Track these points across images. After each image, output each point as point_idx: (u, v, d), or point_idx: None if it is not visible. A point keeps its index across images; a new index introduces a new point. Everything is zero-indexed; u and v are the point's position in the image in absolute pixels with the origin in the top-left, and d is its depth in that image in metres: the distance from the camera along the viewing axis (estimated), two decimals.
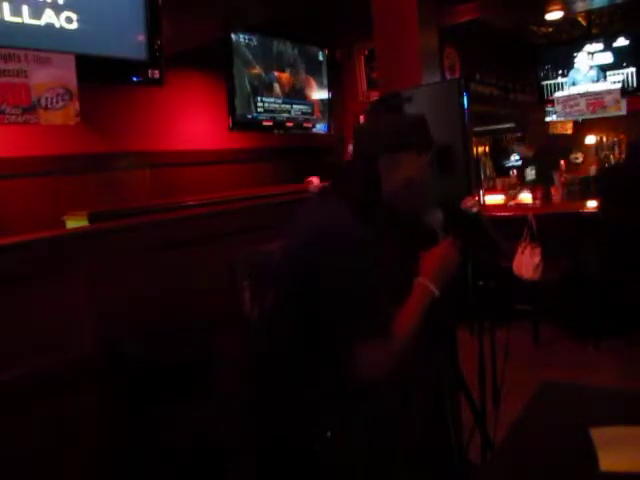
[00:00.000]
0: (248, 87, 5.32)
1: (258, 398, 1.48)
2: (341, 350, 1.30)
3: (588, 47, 6.71)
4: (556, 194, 4.85)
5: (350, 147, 1.50)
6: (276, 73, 5.65)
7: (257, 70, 5.41)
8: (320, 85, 6.22)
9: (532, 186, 5.07)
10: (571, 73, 6.82)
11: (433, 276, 1.42)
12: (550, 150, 5.81)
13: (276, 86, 5.65)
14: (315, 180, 4.43)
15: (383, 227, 1.44)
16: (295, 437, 1.43)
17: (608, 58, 6.60)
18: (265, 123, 5.56)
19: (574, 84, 6.77)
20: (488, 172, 7.15)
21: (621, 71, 6.55)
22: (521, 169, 5.62)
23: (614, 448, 1.23)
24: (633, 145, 4.62)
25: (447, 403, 1.89)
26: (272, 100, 5.55)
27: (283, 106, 5.71)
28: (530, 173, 5.35)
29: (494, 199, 5.43)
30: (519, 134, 7.65)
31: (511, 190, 5.60)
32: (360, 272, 1.30)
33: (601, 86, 6.48)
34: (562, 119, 6.08)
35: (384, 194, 1.42)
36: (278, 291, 1.46)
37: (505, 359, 2.18)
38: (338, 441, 1.38)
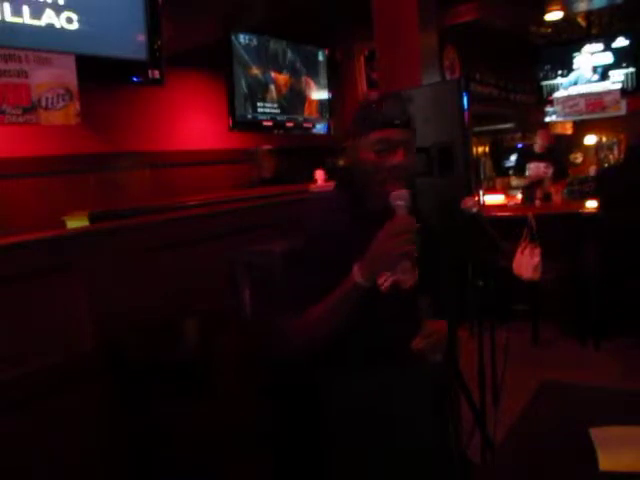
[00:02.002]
0: (248, 87, 5.32)
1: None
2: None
3: (588, 47, 6.71)
4: (556, 194, 4.85)
5: None
6: (276, 73, 5.65)
7: (257, 70, 5.41)
8: (320, 85, 6.22)
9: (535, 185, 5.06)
10: (571, 73, 6.83)
11: (363, 263, 1.32)
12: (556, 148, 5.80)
13: (275, 87, 5.66)
14: (320, 175, 4.43)
15: (369, 215, 1.43)
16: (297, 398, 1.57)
17: (608, 58, 6.60)
18: (265, 123, 5.57)
19: (574, 84, 6.77)
20: (488, 172, 7.16)
21: (621, 71, 6.55)
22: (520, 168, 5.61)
23: (614, 448, 1.23)
24: (632, 145, 4.62)
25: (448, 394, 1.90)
26: (270, 104, 5.57)
27: (282, 106, 5.72)
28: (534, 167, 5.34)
29: (494, 199, 5.43)
30: (519, 134, 7.66)
31: (511, 190, 5.60)
32: (312, 256, 1.40)
33: (601, 86, 6.48)
34: (562, 119, 6.08)
35: (355, 182, 1.46)
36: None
37: (505, 359, 2.18)
38: (333, 405, 1.49)
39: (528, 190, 5.04)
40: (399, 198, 1.31)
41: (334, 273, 1.35)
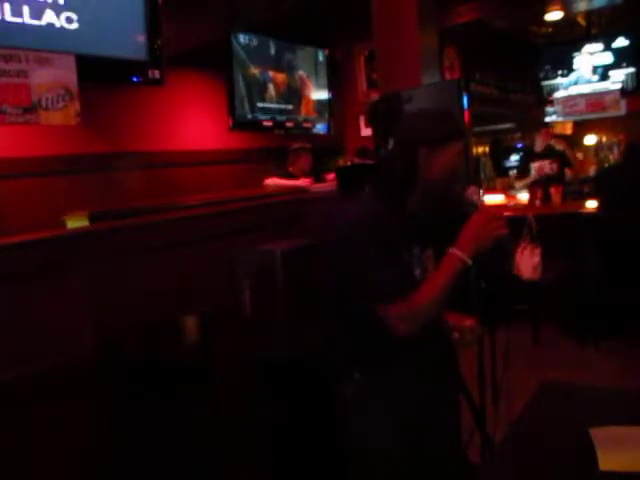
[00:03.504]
0: (248, 87, 5.32)
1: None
2: (365, 315, 1.50)
3: (588, 47, 6.70)
4: (556, 194, 4.85)
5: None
6: (275, 73, 5.65)
7: (257, 70, 5.41)
8: (320, 85, 6.22)
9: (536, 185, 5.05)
10: (571, 73, 6.83)
11: (464, 244, 1.49)
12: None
13: (275, 87, 5.66)
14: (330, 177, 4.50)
15: (415, 214, 1.56)
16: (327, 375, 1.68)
17: (608, 58, 6.60)
18: (265, 123, 5.57)
19: (574, 84, 6.77)
20: (488, 172, 7.14)
21: (621, 71, 6.55)
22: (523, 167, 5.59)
23: (614, 448, 1.23)
24: (631, 145, 4.61)
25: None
26: (270, 104, 5.57)
27: (282, 106, 5.72)
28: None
29: (494, 199, 5.42)
30: (519, 134, 7.64)
31: (511, 190, 5.59)
32: (375, 249, 1.48)
33: (601, 86, 6.48)
34: (562, 119, 6.07)
35: (421, 182, 1.54)
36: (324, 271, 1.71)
37: (505, 359, 2.18)
38: (357, 404, 1.60)
39: (532, 189, 5.02)
40: (474, 193, 1.57)
41: (392, 263, 1.48)
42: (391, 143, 1.63)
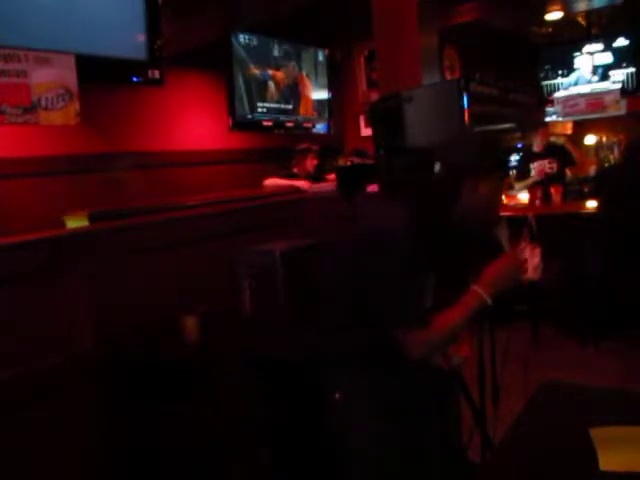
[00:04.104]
0: (248, 87, 5.32)
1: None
2: (386, 332, 1.49)
3: (588, 47, 6.70)
4: (556, 194, 4.85)
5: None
6: (275, 73, 5.65)
7: (256, 70, 5.41)
8: (320, 85, 6.22)
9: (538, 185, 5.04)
10: (571, 73, 6.82)
11: (488, 284, 1.50)
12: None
13: (275, 87, 5.66)
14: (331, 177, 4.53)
15: (437, 239, 1.54)
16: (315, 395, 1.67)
17: (608, 58, 6.60)
18: (265, 123, 5.56)
19: (574, 84, 6.77)
20: None
21: (621, 71, 6.54)
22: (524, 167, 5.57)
23: (614, 448, 1.23)
24: (630, 145, 4.61)
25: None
26: (270, 104, 5.57)
27: (282, 106, 5.72)
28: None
29: None
30: (519, 134, 7.64)
31: (511, 190, 5.59)
32: (401, 272, 1.46)
33: (601, 86, 6.48)
34: (562, 119, 6.07)
35: (459, 209, 1.52)
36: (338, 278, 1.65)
37: (505, 359, 2.18)
38: (345, 405, 1.60)
39: (532, 189, 5.02)
40: (503, 232, 1.63)
41: (411, 283, 1.49)
42: (437, 166, 1.54)
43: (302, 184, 4.09)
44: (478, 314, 1.50)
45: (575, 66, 6.80)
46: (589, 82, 6.68)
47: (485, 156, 1.55)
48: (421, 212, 1.51)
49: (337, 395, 1.60)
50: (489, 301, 1.48)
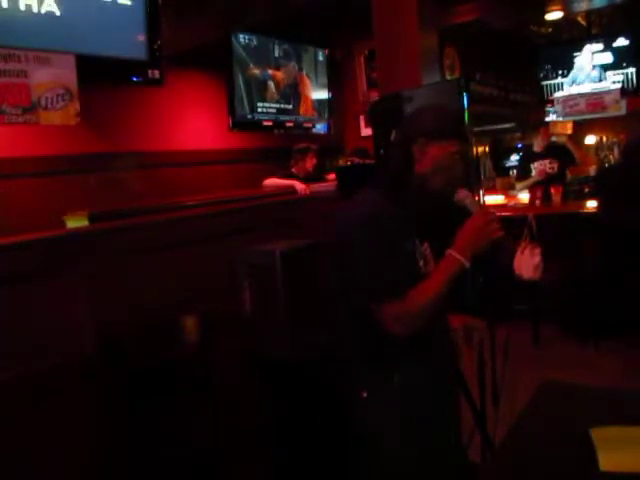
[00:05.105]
0: (248, 87, 5.32)
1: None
2: (364, 311, 1.51)
3: (588, 47, 6.70)
4: (556, 194, 4.85)
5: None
6: (275, 73, 5.65)
7: (256, 70, 5.41)
8: (320, 85, 6.22)
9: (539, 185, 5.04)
10: (571, 73, 6.82)
11: (462, 246, 1.50)
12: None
13: (275, 87, 5.65)
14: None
15: (412, 208, 1.58)
16: (333, 394, 1.70)
17: (608, 58, 6.60)
18: (265, 123, 5.56)
19: (574, 84, 6.77)
20: (488, 172, 7.14)
21: (621, 71, 6.55)
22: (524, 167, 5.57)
23: (614, 448, 1.23)
24: (629, 145, 4.61)
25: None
26: (270, 104, 5.57)
27: (282, 106, 5.72)
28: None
29: (494, 199, 5.42)
30: (519, 134, 7.64)
31: (511, 190, 5.59)
32: (374, 245, 1.49)
33: (601, 86, 6.47)
34: (562, 119, 6.07)
35: (416, 177, 1.56)
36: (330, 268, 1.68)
37: (505, 359, 2.18)
38: (372, 403, 1.59)
39: (532, 189, 5.02)
40: (465, 197, 1.57)
41: (393, 257, 1.49)
42: (393, 134, 1.64)
43: (296, 185, 4.08)
44: (457, 278, 1.50)
45: (575, 66, 6.80)
46: (589, 82, 6.67)
47: (436, 120, 1.58)
48: (383, 185, 1.59)
49: (364, 394, 1.60)
50: (466, 264, 1.49)
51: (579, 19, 6.77)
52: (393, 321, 1.47)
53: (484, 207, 1.56)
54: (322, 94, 6.25)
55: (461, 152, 1.60)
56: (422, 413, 1.57)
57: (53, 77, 2.80)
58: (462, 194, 1.58)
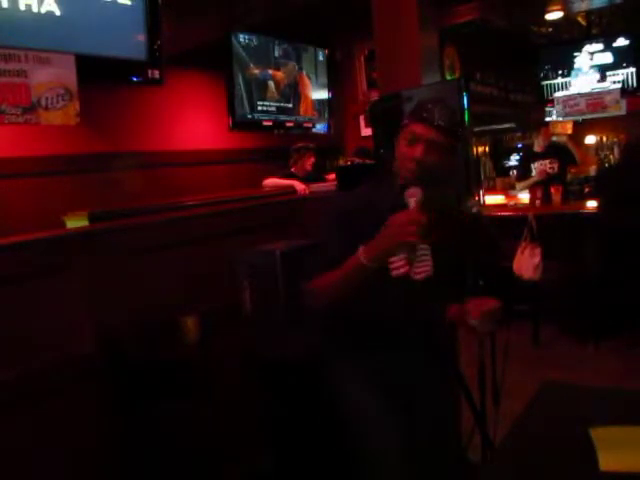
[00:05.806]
0: (248, 87, 5.32)
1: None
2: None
3: (588, 47, 6.70)
4: (556, 194, 4.85)
5: None
6: (275, 73, 5.65)
7: (256, 70, 5.41)
8: (320, 85, 6.22)
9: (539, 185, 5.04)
10: (571, 73, 6.82)
11: (371, 245, 1.47)
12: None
13: (275, 87, 5.65)
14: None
15: (391, 195, 1.59)
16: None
17: (608, 58, 6.60)
18: (265, 123, 5.56)
19: (574, 84, 6.77)
20: (488, 172, 7.15)
21: (621, 71, 6.55)
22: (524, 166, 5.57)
23: (614, 448, 1.23)
24: (629, 145, 4.61)
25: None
26: (270, 104, 5.57)
27: (282, 106, 5.72)
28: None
29: (494, 199, 5.43)
30: (519, 134, 7.64)
31: (511, 190, 5.59)
32: (328, 230, 1.64)
33: (601, 86, 6.48)
34: (562, 119, 6.07)
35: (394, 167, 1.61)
36: None
37: (505, 359, 2.18)
38: (346, 389, 1.69)
39: (532, 188, 5.02)
40: (412, 195, 1.47)
41: (350, 251, 1.51)
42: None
43: (296, 185, 4.08)
44: (358, 274, 1.50)
45: (575, 66, 6.81)
46: (589, 82, 6.67)
47: (416, 109, 1.59)
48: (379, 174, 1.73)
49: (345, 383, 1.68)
50: (366, 264, 1.45)
51: (579, 19, 6.77)
52: (304, 294, 1.63)
53: (419, 210, 1.45)
54: (322, 94, 6.25)
55: (418, 135, 1.53)
56: (398, 398, 1.63)
57: (53, 77, 2.80)
58: (409, 192, 1.49)
